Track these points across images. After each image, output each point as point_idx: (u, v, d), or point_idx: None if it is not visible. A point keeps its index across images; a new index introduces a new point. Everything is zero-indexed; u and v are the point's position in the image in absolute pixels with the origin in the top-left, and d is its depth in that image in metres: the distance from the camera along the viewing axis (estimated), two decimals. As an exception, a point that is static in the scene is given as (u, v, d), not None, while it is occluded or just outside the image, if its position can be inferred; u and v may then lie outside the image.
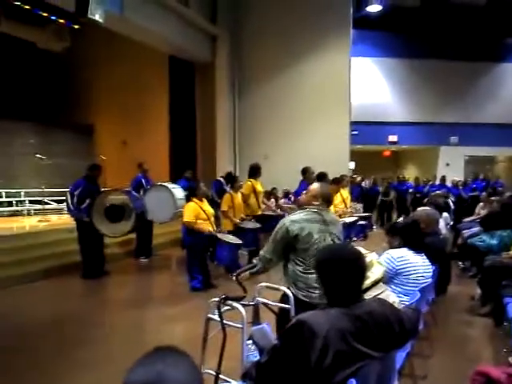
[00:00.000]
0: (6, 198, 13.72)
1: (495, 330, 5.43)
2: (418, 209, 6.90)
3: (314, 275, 2.53)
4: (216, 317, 3.32)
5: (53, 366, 4.61)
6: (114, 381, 1.40)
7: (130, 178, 10.19)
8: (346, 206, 9.79)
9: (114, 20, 10.27)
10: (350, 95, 14.67)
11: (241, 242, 7.98)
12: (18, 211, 13.47)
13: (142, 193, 9.44)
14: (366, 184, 17.81)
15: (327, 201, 4.04)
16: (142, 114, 16.27)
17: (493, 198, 10.52)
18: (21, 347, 5.11)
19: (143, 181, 10.00)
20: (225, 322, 3.27)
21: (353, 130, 15.27)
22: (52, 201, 13.80)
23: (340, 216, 9.12)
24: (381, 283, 3.66)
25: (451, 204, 10.76)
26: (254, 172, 9.29)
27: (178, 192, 9.20)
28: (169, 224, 10.01)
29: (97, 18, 8.84)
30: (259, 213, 9.34)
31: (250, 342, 3.02)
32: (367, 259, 3.34)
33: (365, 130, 19.05)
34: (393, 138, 21.28)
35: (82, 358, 4.79)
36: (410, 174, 21.89)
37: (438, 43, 20.13)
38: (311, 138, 14.29)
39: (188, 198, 8.00)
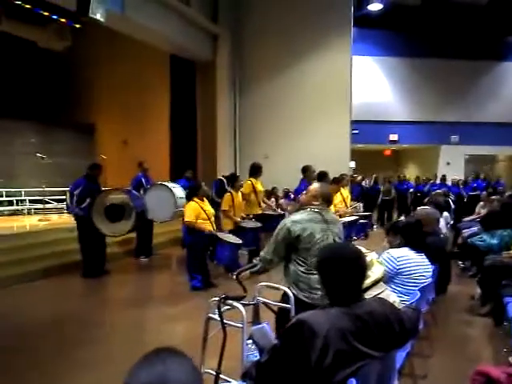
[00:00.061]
0: (6, 197, 13.72)
1: (495, 330, 5.43)
2: (418, 208, 6.91)
3: (316, 276, 2.53)
4: (216, 316, 3.32)
5: (53, 366, 4.61)
6: (115, 381, 1.41)
7: (131, 178, 10.18)
8: (346, 205, 9.77)
9: (115, 19, 10.27)
10: (351, 94, 14.66)
11: (241, 241, 7.99)
12: (18, 210, 13.47)
13: (142, 192, 9.43)
14: (366, 183, 17.79)
15: (327, 200, 4.05)
16: (143, 113, 16.28)
17: (493, 198, 10.51)
18: (20, 347, 5.11)
19: (143, 180, 9.98)
20: (225, 321, 3.28)
21: (353, 129, 15.26)
22: (52, 200, 13.81)
23: (340, 216, 9.13)
24: (381, 283, 3.66)
25: (451, 203, 10.75)
26: (255, 171, 9.28)
27: (179, 191, 9.20)
28: (169, 223, 10.02)
29: (98, 17, 8.84)
30: (259, 212, 9.34)
31: (250, 341, 3.03)
32: (367, 258, 3.35)
33: (365, 128, 19.05)
34: (393, 137, 21.28)
35: (82, 357, 4.79)
36: (411, 173, 21.89)
37: (439, 42, 20.11)
38: (312, 137, 14.28)
39: (189, 198, 8.01)
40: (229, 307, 3.38)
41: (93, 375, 4.36)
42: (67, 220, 10.48)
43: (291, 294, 3.72)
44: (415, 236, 4.48)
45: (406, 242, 4.45)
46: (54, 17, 11.92)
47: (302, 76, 14.60)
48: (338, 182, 9.50)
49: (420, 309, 3.77)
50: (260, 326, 3.11)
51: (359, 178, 16.60)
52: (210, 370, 3.30)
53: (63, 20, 12.29)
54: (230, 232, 8.27)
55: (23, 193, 13.84)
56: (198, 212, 7.53)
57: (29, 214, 13.25)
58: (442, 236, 6.48)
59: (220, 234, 7.91)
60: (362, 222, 9.43)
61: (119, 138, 16.74)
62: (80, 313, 6.44)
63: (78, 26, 12.81)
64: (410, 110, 20.99)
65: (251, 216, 9.09)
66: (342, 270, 2.24)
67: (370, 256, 3.72)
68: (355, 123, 15.59)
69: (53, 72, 17.39)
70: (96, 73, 16.90)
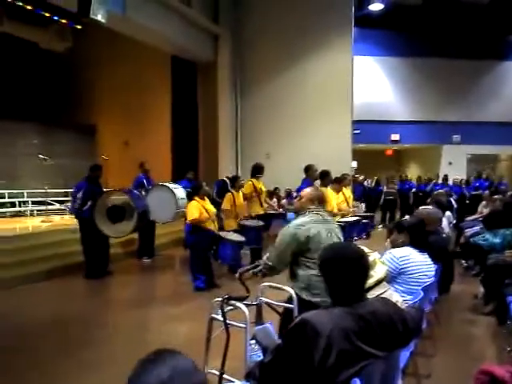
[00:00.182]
0: (8, 198, 13.73)
1: (498, 329, 5.42)
2: (420, 207, 6.90)
3: None
4: (219, 317, 3.32)
5: (56, 367, 4.61)
6: (117, 381, 1.41)
7: (132, 178, 10.18)
8: (348, 205, 9.78)
9: (117, 20, 10.29)
10: (353, 94, 14.65)
11: (244, 239, 8.00)
12: (20, 212, 13.48)
13: (143, 193, 9.43)
14: (368, 183, 17.78)
15: (323, 201, 4.11)
16: (144, 113, 16.29)
17: (495, 197, 10.50)
18: (23, 348, 5.12)
19: (145, 181, 9.99)
20: (228, 321, 3.28)
21: (355, 129, 15.24)
22: (55, 201, 13.81)
23: (343, 215, 9.14)
24: (384, 282, 3.66)
25: (454, 203, 10.74)
26: (257, 171, 9.29)
27: (180, 192, 9.21)
28: (171, 224, 10.02)
29: (99, 18, 8.85)
30: (261, 212, 9.34)
31: (254, 341, 3.02)
32: (370, 258, 3.34)
33: (367, 128, 19.02)
34: (395, 136, 21.27)
35: (85, 358, 4.79)
36: (413, 172, 21.87)
37: (441, 41, 20.09)
38: (313, 137, 14.28)
39: (190, 197, 8.03)
40: (232, 307, 3.38)
41: (96, 376, 4.35)
42: (70, 221, 10.50)
43: (294, 294, 3.72)
44: (419, 235, 4.49)
45: (411, 240, 4.45)
46: (56, 18, 11.95)
47: (303, 76, 14.59)
48: (340, 181, 9.50)
49: (423, 308, 3.76)
50: (263, 326, 3.11)
51: (361, 177, 16.59)
52: (213, 370, 3.30)
53: (64, 21, 12.32)
54: (233, 232, 8.28)
55: (25, 194, 13.84)
56: (200, 211, 7.55)
57: (31, 215, 13.25)
58: (444, 235, 6.47)
59: (222, 233, 7.93)
60: (364, 222, 9.40)
61: (120, 138, 16.75)
62: (83, 314, 6.44)
63: (79, 26, 12.84)
64: (412, 110, 20.97)
65: (253, 215, 9.11)
66: (344, 269, 2.24)
67: (373, 256, 3.72)
68: (357, 123, 15.58)
69: (54, 73, 17.41)
70: (97, 74, 16.91)
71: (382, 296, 3.15)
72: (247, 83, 15.11)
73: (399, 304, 3.08)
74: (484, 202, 11.15)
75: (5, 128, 14.60)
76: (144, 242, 10.07)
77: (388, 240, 4.88)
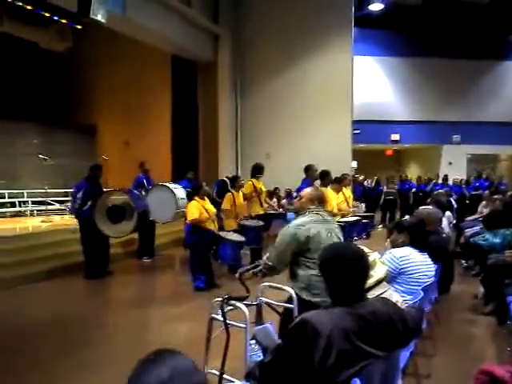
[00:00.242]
0: (8, 198, 13.72)
1: (498, 329, 5.42)
2: (420, 207, 6.90)
3: None
4: (219, 317, 3.33)
5: (56, 367, 4.61)
6: (118, 381, 1.41)
7: (132, 178, 10.18)
8: (348, 204, 9.78)
9: (117, 20, 10.29)
10: (353, 94, 14.65)
11: (244, 239, 8.01)
12: (20, 212, 13.48)
13: (143, 193, 9.43)
14: (368, 183, 17.78)
15: (322, 201, 4.13)
16: (145, 113, 16.28)
17: (495, 197, 10.49)
18: (23, 348, 5.12)
19: (145, 181, 9.99)
20: (228, 321, 3.28)
21: (355, 129, 15.24)
22: (55, 201, 13.81)
23: (343, 215, 9.14)
24: (384, 282, 3.66)
25: (453, 203, 10.74)
26: (257, 171, 9.29)
27: (180, 192, 9.21)
28: (171, 224, 10.02)
29: (99, 18, 8.85)
30: (261, 212, 9.34)
31: (254, 341, 3.03)
32: (370, 258, 3.35)
33: (367, 128, 19.02)
34: (395, 136, 21.27)
35: (86, 358, 4.79)
36: (413, 172, 21.88)
37: (441, 41, 20.09)
38: (313, 137, 14.28)
39: (190, 197, 8.04)
40: (232, 307, 3.38)
41: (96, 376, 4.35)
42: (70, 221, 10.50)
43: (294, 294, 3.72)
44: (419, 235, 4.49)
45: (411, 240, 4.45)
46: (56, 18, 11.95)
47: (303, 76, 14.59)
48: (340, 181, 9.51)
49: (423, 308, 3.76)
50: (263, 326, 3.11)
51: (361, 177, 16.59)
52: (213, 370, 3.30)
53: (64, 21, 12.33)
54: (233, 232, 8.29)
55: (25, 194, 13.84)
56: (200, 211, 7.57)
57: (31, 215, 13.25)
58: (444, 235, 6.47)
59: (222, 233, 7.94)
60: (364, 222, 9.41)
61: (121, 138, 16.74)
62: (83, 314, 6.44)
63: (79, 27, 12.84)
64: (412, 110, 20.98)
65: (253, 215, 9.11)
66: (344, 269, 2.24)
67: (373, 256, 3.72)
68: (357, 123, 15.58)
69: (54, 73, 17.41)
70: (97, 74, 16.90)
71: (382, 296, 3.15)
72: (247, 83, 15.12)
73: (399, 304, 3.08)
74: (484, 202, 11.15)
75: (5, 128, 14.59)
76: (144, 242, 10.07)
77: (388, 240, 4.88)
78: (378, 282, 3.55)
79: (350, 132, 14.61)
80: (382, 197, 16.60)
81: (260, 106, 14.93)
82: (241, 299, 3.45)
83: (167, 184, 9.48)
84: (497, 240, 6.68)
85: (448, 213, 8.03)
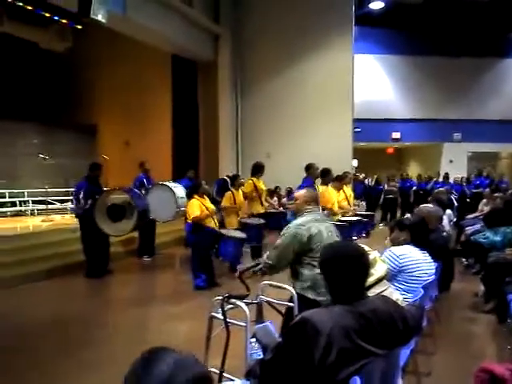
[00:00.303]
0: (9, 198, 13.73)
1: (499, 327, 5.42)
2: (421, 206, 6.90)
3: None
4: (219, 315, 3.33)
5: (56, 367, 4.61)
6: (118, 381, 1.41)
7: (133, 178, 10.19)
8: (349, 203, 9.79)
9: (117, 20, 10.29)
10: (353, 93, 14.64)
11: (245, 235, 8.03)
12: (21, 211, 13.48)
13: (143, 192, 9.44)
14: (369, 182, 17.78)
15: (317, 202, 4.24)
16: (145, 113, 16.28)
17: (496, 195, 10.49)
18: (24, 347, 5.12)
19: (145, 180, 10.00)
20: (228, 320, 3.28)
21: (355, 128, 15.24)
22: (55, 201, 13.82)
23: (343, 214, 9.16)
24: (384, 280, 3.66)
25: (454, 201, 10.74)
26: (257, 170, 9.30)
27: (180, 191, 9.21)
28: (172, 223, 10.02)
29: (99, 18, 8.84)
30: (262, 211, 9.35)
31: (254, 340, 3.03)
32: (371, 256, 3.35)
33: (368, 127, 19.02)
34: (396, 135, 21.27)
35: (86, 358, 4.79)
36: (413, 171, 21.90)
37: (441, 39, 20.10)
38: (314, 136, 14.28)
39: (189, 196, 8.06)
40: (232, 306, 3.39)
41: (96, 376, 4.35)
42: (70, 221, 10.51)
43: (295, 293, 3.73)
44: (420, 233, 4.50)
45: (412, 239, 4.45)
46: (56, 18, 11.94)
47: (303, 75, 14.59)
48: (341, 179, 9.54)
49: (423, 306, 3.77)
50: (263, 324, 3.11)
51: (362, 176, 16.58)
52: (213, 369, 3.30)
53: (64, 21, 12.32)
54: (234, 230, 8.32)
55: (26, 194, 13.84)
56: (200, 208, 7.60)
57: (32, 214, 13.25)
58: (445, 234, 6.47)
59: (224, 231, 7.97)
60: (364, 221, 9.43)
61: (121, 138, 16.74)
62: (83, 313, 6.44)
63: (79, 27, 12.84)
64: (412, 108, 20.97)
65: (255, 214, 9.12)
66: (345, 268, 2.25)
67: (373, 254, 3.72)
68: (357, 121, 15.57)
69: (54, 73, 17.40)
70: (97, 73, 16.89)
71: (383, 294, 3.15)
72: (247, 83, 15.11)
73: (399, 302, 3.08)
74: (484, 200, 11.15)
75: (5, 128, 14.59)
76: (144, 241, 10.08)
77: (388, 238, 4.88)
78: (379, 280, 3.55)
79: (351, 131, 14.61)
80: (382, 196, 16.61)
81: (260, 106, 14.93)
82: (241, 298, 3.45)
83: (167, 183, 9.48)
84: (497, 238, 6.67)
85: (448, 211, 8.03)
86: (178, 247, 10.60)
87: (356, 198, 11.91)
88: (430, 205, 6.88)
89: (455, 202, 10.76)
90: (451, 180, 16.21)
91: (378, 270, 3.60)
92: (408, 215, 7.15)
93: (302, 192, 4.22)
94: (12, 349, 5.07)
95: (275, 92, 14.73)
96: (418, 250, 4.33)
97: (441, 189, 11.18)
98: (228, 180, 10.14)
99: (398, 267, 4.19)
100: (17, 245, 8.66)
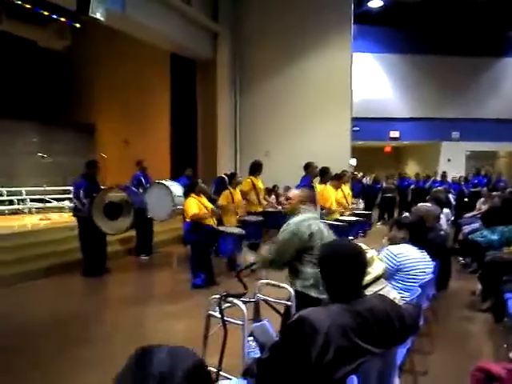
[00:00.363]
0: (7, 196, 13.70)
1: (496, 326, 5.43)
2: (419, 204, 6.91)
3: None
4: (217, 314, 3.33)
5: (54, 366, 4.61)
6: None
7: (131, 177, 10.20)
8: (347, 201, 9.82)
9: (116, 18, 10.27)
10: (352, 91, 14.63)
11: (244, 232, 8.05)
12: (19, 209, 13.46)
13: (141, 191, 9.43)
14: (367, 180, 17.80)
15: (313, 201, 4.24)
16: (144, 112, 16.27)
17: (494, 194, 10.51)
18: (22, 346, 5.12)
19: (142, 179, 10.00)
20: (225, 318, 3.29)
21: (354, 126, 15.23)
22: (53, 199, 13.80)
23: (342, 213, 9.19)
24: (382, 279, 3.67)
25: (452, 200, 10.75)
26: (255, 169, 9.29)
27: (177, 189, 9.20)
28: (170, 221, 10.01)
29: (98, 16, 8.83)
30: (260, 210, 9.35)
31: (251, 338, 3.03)
32: (368, 255, 3.36)
33: (366, 126, 19.03)
34: (394, 133, 21.28)
35: (84, 357, 4.79)
36: (412, 169, 21.92)
37: (440, 38, 20.12)
38: (312, 134, 14.27)
39: (186, 194, 8.07)
40: (229, 304, 3.39)
41: (95, 374, 4.35)
42: (68, 219, 10.49)
43: (292, 292, 3.74)
44: (419, 232, 4.52)
45: (411, 237, 4.47)
46: (54, 16, 11.94)
47: (302, 74, 14.58)
48: (339, 178, 9.60)
49: (421, 305, 3.77)
50: (261, 323, 3.11)
51: (360, 175, 16.59)
52: (210, 368, 3.30)
53: (63, 19, 12.32)
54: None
55: (24, 192, 13.81)
56: (198, 206, 7.62)
57: (30, 213, 13.23)
58: (442, 232, 6.49)
59: (222, 228, 8.01)
60: (362, 221, 9.48)
61: (120, 137, 16.72)
62: (81, 312, 6.44)
63: (77, 25, 12.83)
64: (411, 107, 20.99)
65: (253, 212, 9.14)
66: (342, 266, 2.25)
67: (371, 253, 3.73)
68: (356, 120, 15.56)
69: (53, 71, 17.37)
70: (96, 72, 16.88)
71: (380, 293, 3.16)
72: (246, 81, 15.10)
73: (397, 301, 3.09)
74: (482, 199, 11.16)
75: (4, 126, 14.55)
76: (142, 240, 10.07)
77: (385, 237, 4.89)
78: (376, 279, 3.56)
79: (349, 130, 14.60)
80: (380, 194, 16.62)
81: (259, 104, 14.91)
82: (238, 296, 3.46)
83: (164, 181, 9.47)
84: (495, 237, 6.69)
85: (446, 210, 8.05)
86: (175, 246, 10.59)
87: (354, 196, 11.94)
88: (428, 203, 6.89)
89: (453, 201, 10.77)
90: (449, 179, 16.23)
91: (375, 269, 3.61)
92: (406, 214, 7.17)
93: (296, 192, 4.28)
94: (13, 348, 5.06)
95: (274, 90, 14.71)
96: (416, 248, 4.35)
97: (439, 188, 11.20)
98: (226, 178, 10.15)
99: (396, 266, 4.20)
100: (15, 243, 8.64)
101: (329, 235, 3.89)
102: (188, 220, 7.80)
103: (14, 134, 15.04)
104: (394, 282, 4.16)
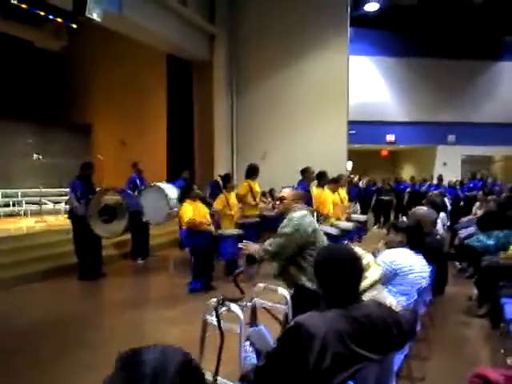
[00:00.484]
0: (2, 198, 13.65)
1: (492, 331, 5.43)
2: (415, 208, 6.88)
3: None
4: (213, 318, 3.31)
5: (53, 366, 4.62)
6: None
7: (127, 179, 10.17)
8: (343, 205, 9.84)
9: (113, 19, 10.25)
10: (348, 94, 14.64)
11: (242, 232, 8.07)
12: (14, 211, 13.41)
13: (136, 193, 9.38)
14: (363, 183, 17.80)
15: (304, 201, 4.40)
16: (140, 113, 16.26)
17: (489, 198, 10.51)
18: (20, 349, 5.11)
19: (138, 181, 9.96)
20: (222, 323, 3.27)
21: (350, 130, 15.23)
22: (49, 201, 13.75)
23: (338, 217, 9.20)
24: (378, 284, 3.66)
25: (448, 204, 10.75)
26: (252, 172, 9.28)
27: (172, 192, 9.18)
28: (166, 224, 9.98)
29: (94, 16, 8.81)
30: (257, 213, 9.35)
31: (248, 343, 3.02)
32: (365, 260, 3.36)
33: (362, 129, 19.04)
34: (390, 137, 21.30)
35: (83, 358, 4.79)
36: (407, 173, 21.91)
37: (436, 41, 20.17)
38: (309, 137, 14.26)
39: (181, 200, 8.07)
40: (226, 309, 3.37)
41: (94, 376, 4.33)
42: (63, 222, 10.46)
43: (289, 297, 3.73)
44: (416, 237, 4.51)
45: (408, 241, 4.46)
46: (51, 17, 11.92)
47: (298, 76, 14.57)
48: (336, 181, 9.61)
49: (417, 311, 3.77)
50: (257, 328, 3.10)
51: (356, 179, 16.59)
52: (207, 373, 3.28)
53: (60, 20, 12.30)
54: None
55: (20, 194, 13.77)
56: (193, 212, 7.61)
57: (25, 215, 13.19)
58: (439, 237, 6.48)
59: (220, 231, 8.05)
60: (357, 226, 9.51)
61: (116, 138, 16.70)
62: (78, 315, 6.42)
63: (74, 25, 12.82)
64: (407, 110, 21.02)
65: (248, 216, 9.14)
66: (338, 271, 2.24)
67: (368, 258, 3.72)
68: (352, 124, 15.54)
69: (49, 72, 17.37)
70: (93, 73, 16.88)
71: (377, 298, 3.15)
72: (243, 83, 15.09)
73: (393, 306, 3.08)
74: (478, 203, 11.16)
75: (0, 127, 14.53)
76: (137, 243, 10.00)
77: (381, 242, 4.89)
78: (373, 284, 3.55)
79: (346, 132, 14.59)
80: (375, 196, 16.60)
81: (256, 106, 14.91)
82: (235, 301, 3.44)
83: (159, 184, 9.44)
84: (490, 242, 6.68)
85: (442, 214, 8.04)
86: (172, 249, 10.55)
87: (350, 200, 11.94)
88: (425, 208, 6.88)
89: (448, 205, 10.77)
90: (445, 183, 16.25)
91: (372, 274, 3.60)
92: (404, 218, 7.16)
93: (288, 191, 4.34)
94: (11, 350, 5.06)
95: (270, 92, 14.71)
96: (413, 252, 4.34)
97: (435, 191, 11.21)
98: (220, 181, 10.14)
99: (393, 271, 4.19)
100: (12, 246, 8.63)
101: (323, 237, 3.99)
102: (184, 227, 7.80)
103: (10, 134, 15.02)
104: (390, 287, 4.15)
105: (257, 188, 9.30)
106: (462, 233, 8.99)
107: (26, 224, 11.16)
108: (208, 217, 8.08)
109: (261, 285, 3.96)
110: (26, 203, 13.62)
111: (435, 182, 16.47)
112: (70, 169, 12.66)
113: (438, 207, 7.56)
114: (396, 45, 20.60)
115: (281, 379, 2.12)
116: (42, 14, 11.57)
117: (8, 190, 13.74)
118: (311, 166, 8.92)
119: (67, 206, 9.31)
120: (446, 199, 11.27)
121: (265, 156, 13.77)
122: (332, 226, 8.57)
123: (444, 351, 4.91)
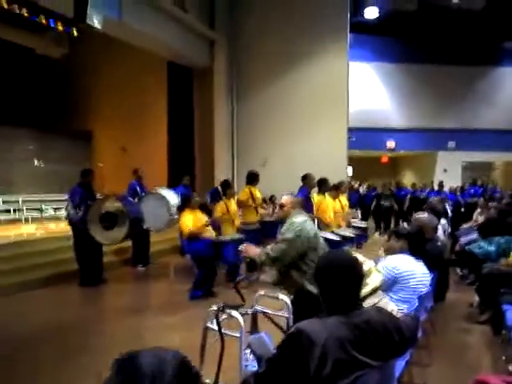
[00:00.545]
0: (3, 204, 13.64)
1: (494, 338, 5.41)
2: (416, 215, 6.88)
3: None
4: (214, 325, 3.31)
5: (55, 374, 4.62)
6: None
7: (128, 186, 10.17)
8: (344, 212, 9.82)
9: (113, 25, 10.28)
10: (348, 100, 14.65)
11: (243, 236, 8.09)
12: (15, 218, 13.41)
13: (136, 200, 9.37)
14: (363, 190, 17.79)
15: (303, 207, 4.44)
16: (141, 119, 16.26)
17: (490, 204, 10.50)
18: (22, 355, 5.10)
19: (138, 188, 9.96)
20: (223, 330, 3.26)
21: (350, 137, 15.22)
22: (50, 208, 13.74)
23: (339, 225, 9.19)
24: (379, 291, 3.65)
25: (449, 210, 10.74)
26: (252, 179, 9.28)
27: (173, 198, 9.18)
28: (166, 231, 9.97)
29: (95, 23, 8.85)
30: (257, 219, 9.34)
31: (249, 350, 3.01)
32: (366, 267, 3.35)
33: (362, 136, 19.03)
34: (390, 144, 21.29)
35: (85, 364, 4.80)
36: (408, 180, 21.90)
37: (436, 48, 20.20)
38: (309, 143, 14.25)
39: (181, 209, 8.09)
40: (227, 316, 3.37)
41: (95, 382, 4.33)
42: (65, 228, 10.44)
43: (290, 304, 3.73)
44: (418, 243, 4.51)
45: (410, 247, 4.46)
46: (52, 24, 11.93)
47: (299, 82, 14.59)
48: (337, 188, 9.60)
49: (418, 317, 3.75)
50: (258, 335, 3.09)
51: (356, 185, 16.58)
52: (208, 380, 3.27)
53: (61, 27, 12.31)
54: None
55: (21, 200, 13.77)
56: (194, 221, 7.62)
57: (26, 221, 13.18)
58: (440, 243, 6.47)
59: (221, 237, 8.09)
60: (357, 233, 9.50)
61: (117, 144, 16.69)
62: (79, 322, 6.41)
63: (75, 33, 12.83)
64: (407, 117, 21.02)
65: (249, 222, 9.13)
66: (339, 278, 2.23)
67: (368, 264, 3.72)
68: (352, 131, 15.54)
69: (50, 79, 17.40)
70: (93, 79, 16.90)
71: (378, 305, 3.14)
72: (243, 89, 15.11)
73: (394, 313, 3.07)
74: (479, 210, 11.16)
75: (1, 134, 14.54)
76: (138, 250, 9.98)
77: (382, 248, 4.88)
78: (374, 291, 3.54)
79: (346, 138, 14.59)
80: (375, 201, 16.57)
81: (256, 112, 14.91)
82: (236, 308, 3.44)
83: (159, 190, 9.44)
84: (492, 248, 6.67)
85: (443, 220, 8.03)
86: (172, 256, 10.54)
87: (351, 207, 11.93)
88: (425, 214, 6.87)
89: (449, 212, 10.76)
90: (446, 189, 16.23)
91: (373, 280, 3.59)
92: (405, 224, 7.15)
93: (287, 197, 4.38)
94: (11, 357, 5.05)
95: (271, 98, 14.71)
96: (414, 259, 4.33)
97: (435, 198, 11.20)
98: (220, 189, 10.14)
99: (394, 277, 4.18)
100: (12, 252, 8.64)
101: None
102: (185, 237, 7.83)
103: (11, 141, 15.03)
104: (391, 294, 4.14)
105: (257, 194, 9.30)
106: (463, 239, 8.98)
107: (27, 230, 11.15)
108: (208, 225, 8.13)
109: (261, 292, 3.96)
110: (27, 210, 13.61)
111: (436, 188, 16.45)
112: (71, 175, 12.66)
113: (439, 213, 7.55)
114: (396, 51, 20.64)
115: (281, 386, 2.11)
116: (44, 21, 11.57)
117: (9, 197, 13.74)
118: (311, 173, 8.91)
119: (67, 213, 9.31)
120: (447, 205, 11.26)
121: (265, 163, 13.77)
122: (333, 233, 8.56)
123: (445, 358, 4.89)
